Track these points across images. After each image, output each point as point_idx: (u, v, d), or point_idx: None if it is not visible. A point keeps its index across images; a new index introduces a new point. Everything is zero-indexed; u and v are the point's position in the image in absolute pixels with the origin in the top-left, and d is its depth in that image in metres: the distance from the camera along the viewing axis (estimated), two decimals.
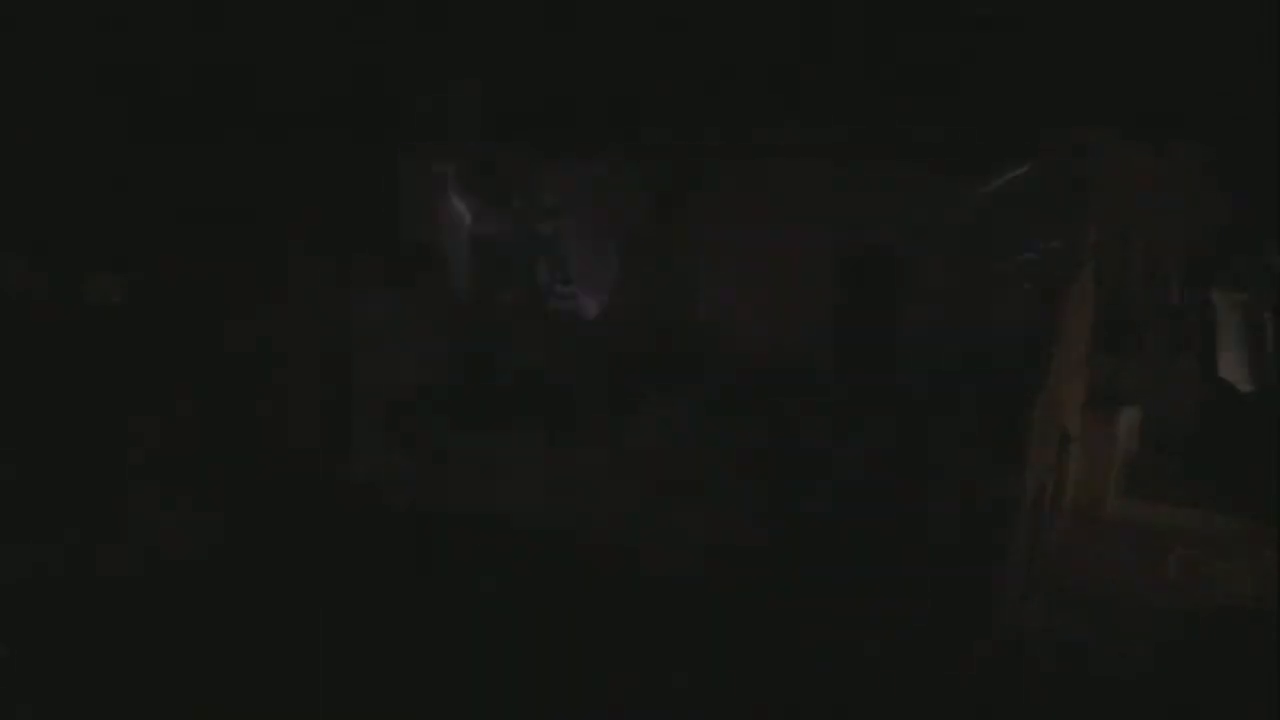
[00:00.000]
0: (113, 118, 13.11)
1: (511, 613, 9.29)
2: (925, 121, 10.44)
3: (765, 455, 10.32)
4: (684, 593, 9.99)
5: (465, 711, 7.49)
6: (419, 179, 13.17)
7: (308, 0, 12.91)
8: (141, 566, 10.73)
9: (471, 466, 12.36)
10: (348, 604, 9.52)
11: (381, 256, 13.15)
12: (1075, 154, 10.64)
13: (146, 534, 11.75)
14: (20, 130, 13.03)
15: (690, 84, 12.06)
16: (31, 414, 12.71)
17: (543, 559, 10.96)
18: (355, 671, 7.33)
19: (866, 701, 8.15)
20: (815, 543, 9.69)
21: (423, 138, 13.25)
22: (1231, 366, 12.88)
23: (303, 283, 12.94)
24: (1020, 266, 9.83)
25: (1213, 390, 13.10)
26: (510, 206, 13.37)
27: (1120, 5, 10.85)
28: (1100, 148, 11.08)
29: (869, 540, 9.58)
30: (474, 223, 13.15)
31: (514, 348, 12.54)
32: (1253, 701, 8.28)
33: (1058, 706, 8.41)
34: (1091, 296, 12.13)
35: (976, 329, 9.48)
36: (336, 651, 7.91)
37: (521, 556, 11.05)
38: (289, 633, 8.64)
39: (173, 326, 12.94)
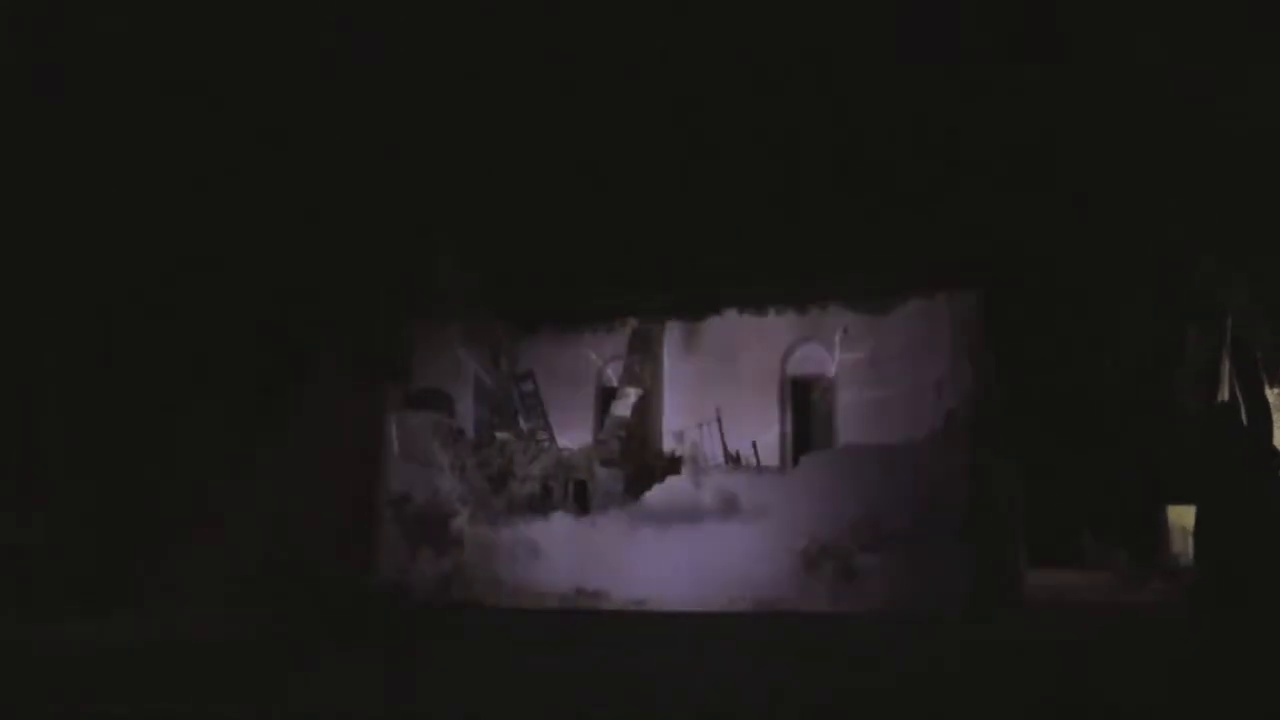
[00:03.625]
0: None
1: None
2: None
3: None
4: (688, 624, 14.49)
5: None
6: (434, 338, 17.14)
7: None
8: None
9: (487, 555, 15.94)
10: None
11: (403, 393, 16.65)
12: None
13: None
14: None
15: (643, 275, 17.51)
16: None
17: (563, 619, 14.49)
18: None
19: None
20: None
21: (432, 312, 17.29)
22: None
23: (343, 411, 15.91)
24: None
25: None
26: (498, 366, 17.83)
27: None
28: None
29: None
30: (475, 374, 17.35)
31: (517, 469, 16.69)
32: None
33: None
34: None
35: None
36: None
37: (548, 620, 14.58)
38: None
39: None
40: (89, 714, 7.33)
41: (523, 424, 17.58)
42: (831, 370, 16.68)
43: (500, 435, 17.18)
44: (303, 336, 16.20)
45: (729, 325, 17.16)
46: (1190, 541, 21.10)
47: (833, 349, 16.61)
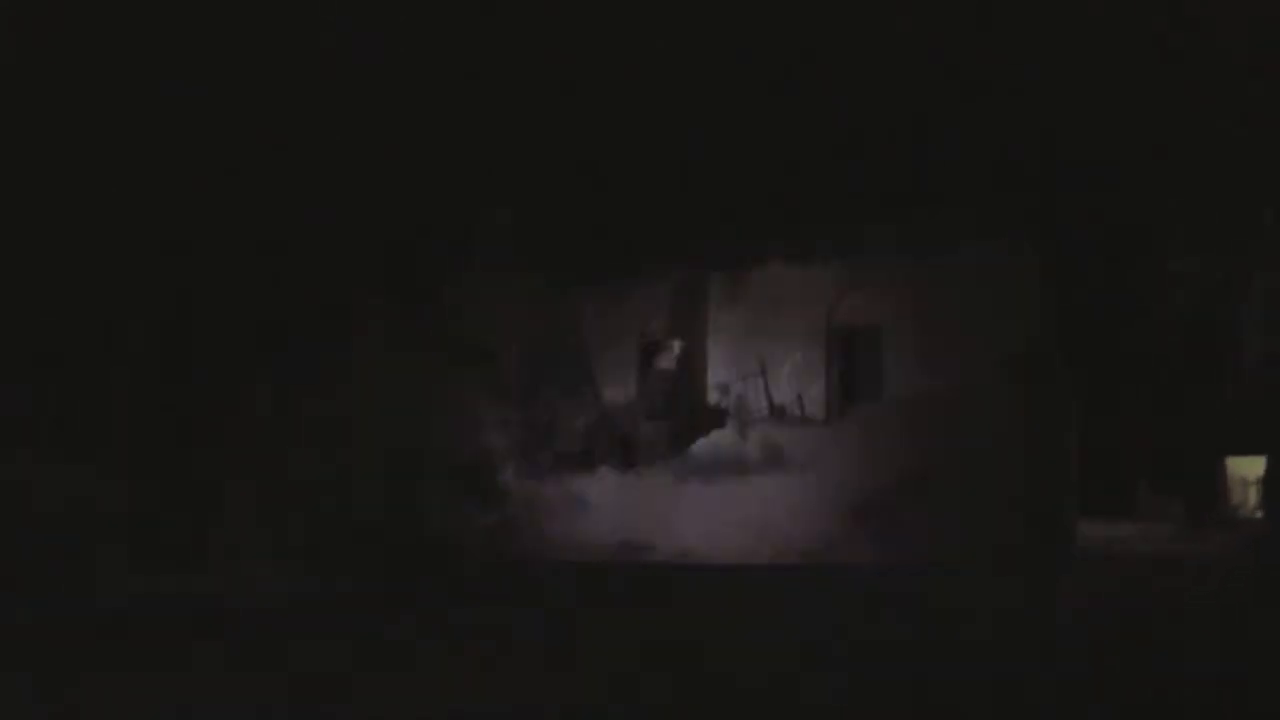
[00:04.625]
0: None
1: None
2: None
3: None
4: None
5: None
6: (478, 294, 17.12)
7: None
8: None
9: (534, 509, 16.04)
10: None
11: (449, 350, 16.68)
12: None
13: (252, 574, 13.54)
14: None
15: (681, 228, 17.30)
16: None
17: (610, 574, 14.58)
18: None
19: None
20: None
21: (474, 268, 17.24)
22: None
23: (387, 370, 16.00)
24: None
25: None
26: (540, 322, 17.77)
27: None
28: None
29: None
30: (521, 330, 17.31)
31: (563, 425, 16.72)
32: None
33: None
34: None
35: None
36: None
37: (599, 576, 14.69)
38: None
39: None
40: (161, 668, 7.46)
41: (567, 379, 17.53)
42: (880, 319, 16.37)
43: (545, 391, 17.18)
44: (350, 296, 16.27)
45: (774, 276, 16.88)
46: (1251, 493, 20.61)
47: (880, 298, 16.28)
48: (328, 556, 14.07)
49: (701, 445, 16.14)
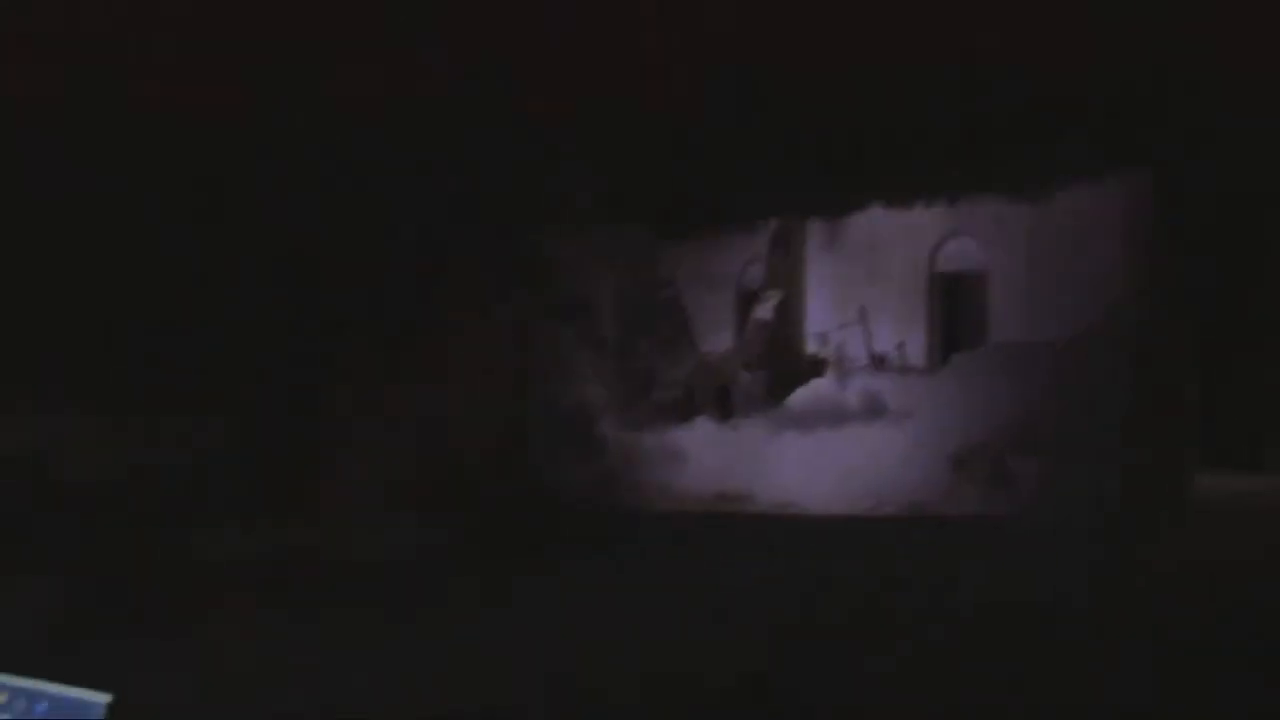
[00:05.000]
0: None
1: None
2: None
3: None
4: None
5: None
6: (577, 246, 17.25)
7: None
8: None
9: (632, 460, 16.23)
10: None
11: (545, 304, 16.93)
12: None
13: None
14: None
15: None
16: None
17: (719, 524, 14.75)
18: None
19: None
20: None
21: (573, 222, 17.34)
22: None
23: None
24: None
25: None
26: (637, 273, 17.81)
27: None
28: None
29: None
30: (616, 283, 17.40)
31: (661, 376, 16.80)
32: None
33: None
34: None
35: None
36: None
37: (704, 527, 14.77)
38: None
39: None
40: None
41: (664, 330, 17.58)
42: (984, 264, 15.78)
43: (642, 342, 17.29)
44: (447, 252, 16.63)
45: (874, 221, 16.44)
46: None
47: (985, 242, 15.67)
48: (435, 508, 14.62)
49: (800, 395, 16.00)
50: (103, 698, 1.95)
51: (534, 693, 5.71)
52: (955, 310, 16.15)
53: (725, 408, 16.64)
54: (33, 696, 2.04)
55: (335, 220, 16.22)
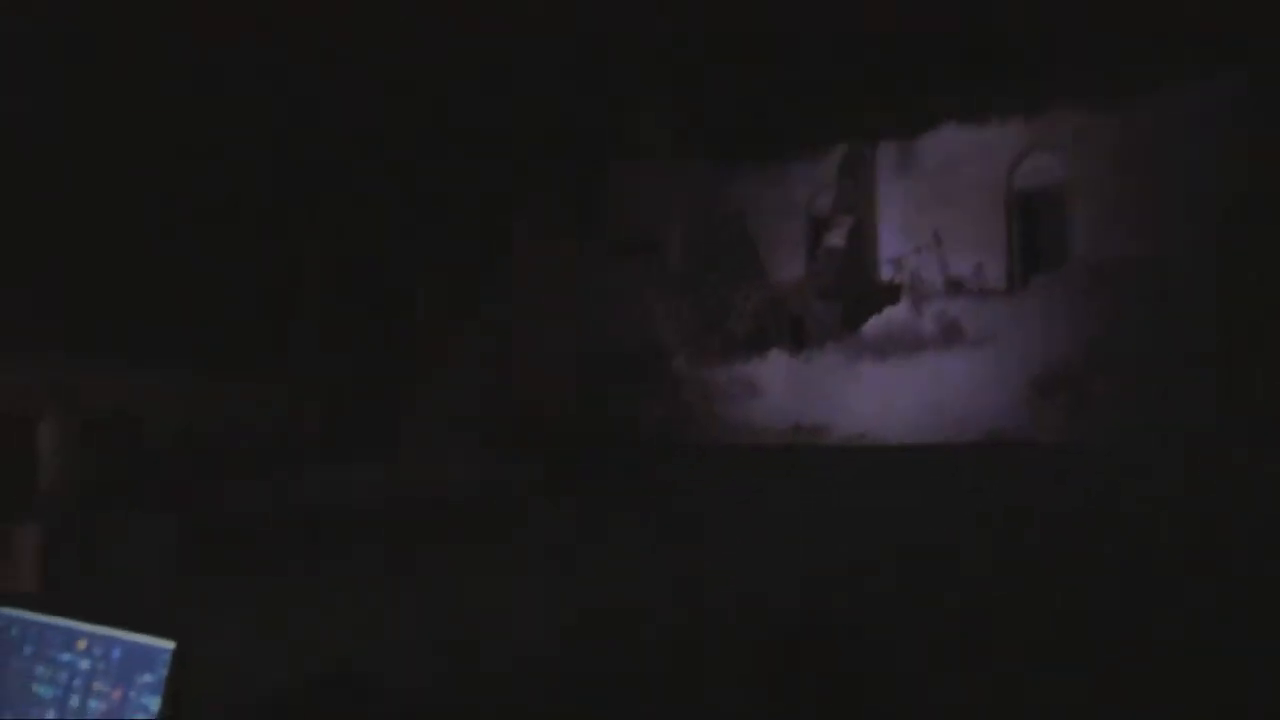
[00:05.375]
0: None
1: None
2: None
3: None
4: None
5: None
6: (640, 181, 17.06)
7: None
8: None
9: (704, 395, 16.19)
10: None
11: (611, 240, 16.83)
12: None
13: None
14: None
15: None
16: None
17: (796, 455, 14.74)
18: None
19: None
20: None
21: (636, 152, 17.14)
22: None
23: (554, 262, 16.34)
24: None
25: None
26: (703, 206, 17.55)
27: None
28: None
29: None
30: (682, 217, 17.18)
31: (732, 309, 16.62)
32: None
33: None
34: None
35: None
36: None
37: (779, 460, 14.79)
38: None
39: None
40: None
41: (733, 263, 17.37)
42: (1066, 180, 15.13)
43: (711, 275, 17.11)
44: (510, 190, 16.63)
45: (947, 140, 15.86)
46: None
47: (1066, 157, 15.00)
48: (511, 448, 14.86)
49: (874, 323, 15.71)
50: (167, 644, 2.01)
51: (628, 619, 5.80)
52: (1035, 230, 15.57)
53: (798, 339, 16.43)
54: (109, 643, 2.11)
55: (402, 165, 16.32)
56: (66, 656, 2.13)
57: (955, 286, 15.63)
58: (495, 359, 15.92)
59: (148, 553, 7.91)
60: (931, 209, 15.84)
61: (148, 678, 2.00)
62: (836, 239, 16.57)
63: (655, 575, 7.00)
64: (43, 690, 2.14)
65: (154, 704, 1.98)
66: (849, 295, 16.30)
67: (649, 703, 4.01)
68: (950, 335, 15.01)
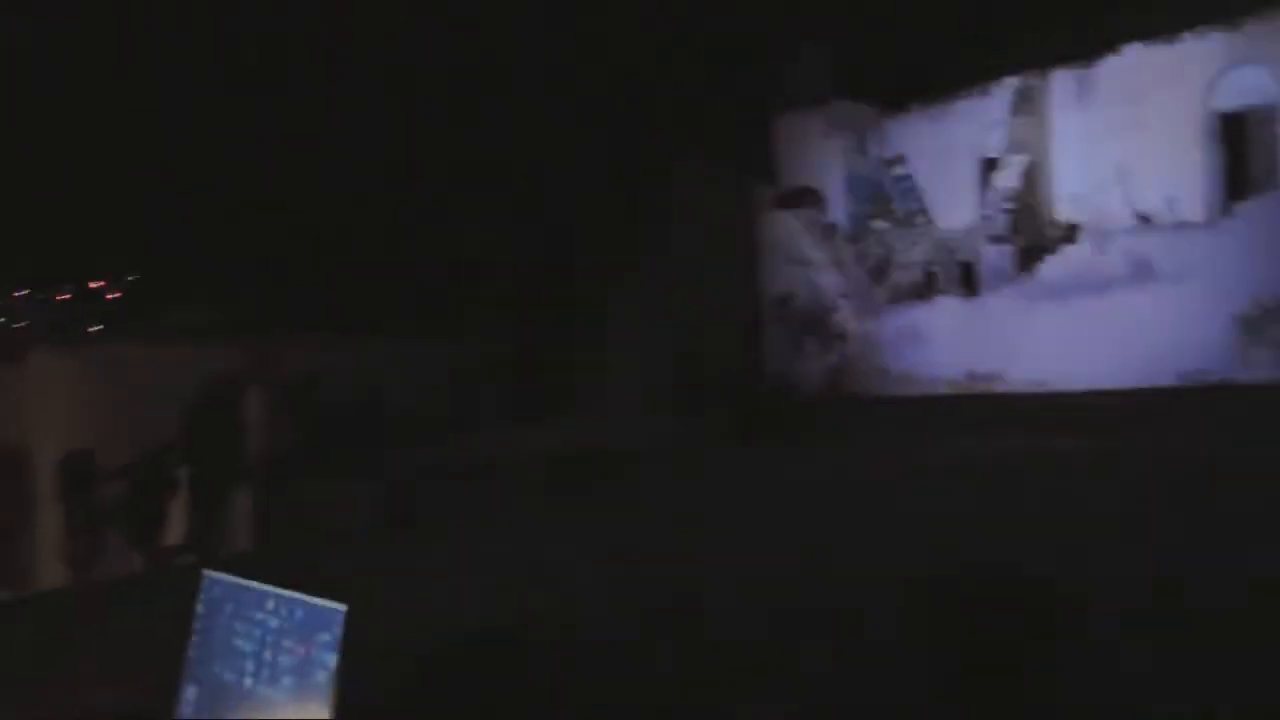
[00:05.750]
0: None
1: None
2: None
3: None
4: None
5: None
6: (800, 130, 16.67)
7: None
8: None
9: (872, 346, 15.76)
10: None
11: (773, 192, 16.58)
12: None
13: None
14: None
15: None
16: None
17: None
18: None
19: None
20: None
21: (795, 100, 16.73)
22: None
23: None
24: None
25: None
26: (866, 153, 16.99)
27: None
28: None
29: None
30: (844, 165, 16.70)
31: (894, 258, 16.09)
32: None
33: None
34: None
35: None
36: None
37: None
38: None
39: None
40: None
41: (899, 210, 16.79)
42: (1275, 97, 13.73)
43: (876, 224, 16.63)
44: (669, 145, 16.63)
45: (1131, 63, 14.67)
46: None
47: (1275, 68, 13.60)
48: (680, 405, 15.03)
49: (1053, 265, 14.85)
50: (340, 606, 2.18)
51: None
52: (1238, 153, 14.23)
53: (970, 285, 15.77)
54: (292, 604, 2.32)
55: (563, 133, 16.62)
56: (259, 615, 2.36)
57: (1144, 221, 14.53)
58: (661, 315, 16.04)
59: (343, 513, 8.54)
60: (1114, 140, 14.74)
61: (325, 636, 2.19)
62: (1007, 179, 15.72)
63: (827, 525, 6.97)
64: (242, 645, 2.38)
65: (332, 660, 2.17)
66: (1024, 238, 15.47)
67: (837, 654, 4.00)
68: (1140, 273, 14.02)
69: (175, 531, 9.22)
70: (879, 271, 16.24)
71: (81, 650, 5.08)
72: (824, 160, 16.83)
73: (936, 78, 16.37)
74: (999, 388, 14.50)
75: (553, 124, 16.56)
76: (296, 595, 2.32)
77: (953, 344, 15.22)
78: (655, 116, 16.64)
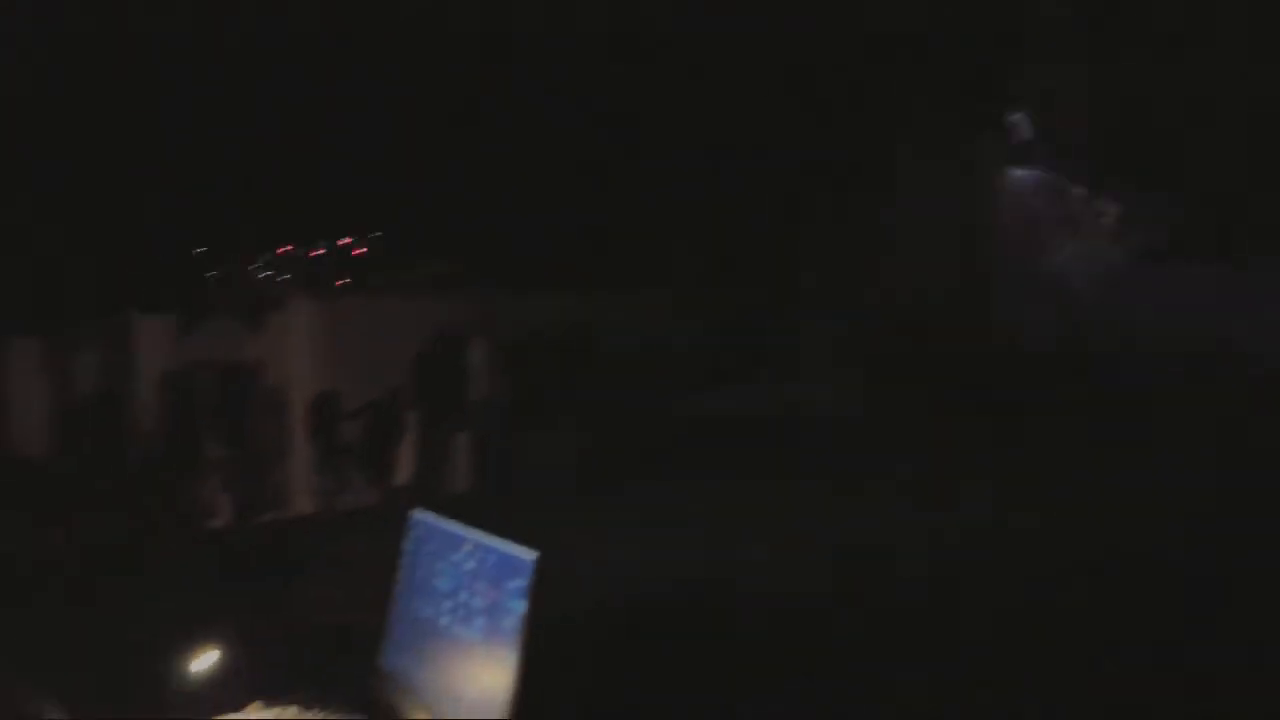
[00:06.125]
0: None
1: None
2: None
3: None
4: None
5: None
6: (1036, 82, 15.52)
7: None
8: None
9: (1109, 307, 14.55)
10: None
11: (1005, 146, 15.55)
12: None
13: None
14: None
15: None
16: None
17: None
18: None
19: None
20: None
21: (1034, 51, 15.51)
22: None
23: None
24: None
25: None
26: (1114, 96, 15.57)
27: None
28: None
29: None
30: (1088, 114, 15.38)
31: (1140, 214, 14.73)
32: None
33: None
34: None
35: None
36: None
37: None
38: None
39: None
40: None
41: (1148, 165, 15.33)
42: None
43: (1118, 179, 15.29)
44: (894, 92, 15.87)
45: None
46: None
47: None
48: (892, 370, 14.58)
49: None
50: (530, 554, 2.29)
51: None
52: None
53: (1222, 246, 14.24)
54: (486, 549, 2.46)
55: (768, 81, 16.18)
56: (456, 557, 2.53)
57: None
58: (876, 279, 15.52)
59: (553, 463, 8.94)
60: None
61: (516, 583, 2.31)
62: None
63: (1051, 500, 6.61)
64: (440, 584, 2.56)
65: (520, 606, 2.29)
66: None
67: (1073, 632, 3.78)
68: None
69: (403, 472, 9.99)
70: (1119, 230, 14.96)
71: (316, 573, 5.58)
72: (1070, 108, 15.61)
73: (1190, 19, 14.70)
74: (1254, 364, 13.09)
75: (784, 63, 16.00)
76: (492, 541, 2.46)
77: (1205, 307, 13.90)
78: (882, 67, 15.87)
